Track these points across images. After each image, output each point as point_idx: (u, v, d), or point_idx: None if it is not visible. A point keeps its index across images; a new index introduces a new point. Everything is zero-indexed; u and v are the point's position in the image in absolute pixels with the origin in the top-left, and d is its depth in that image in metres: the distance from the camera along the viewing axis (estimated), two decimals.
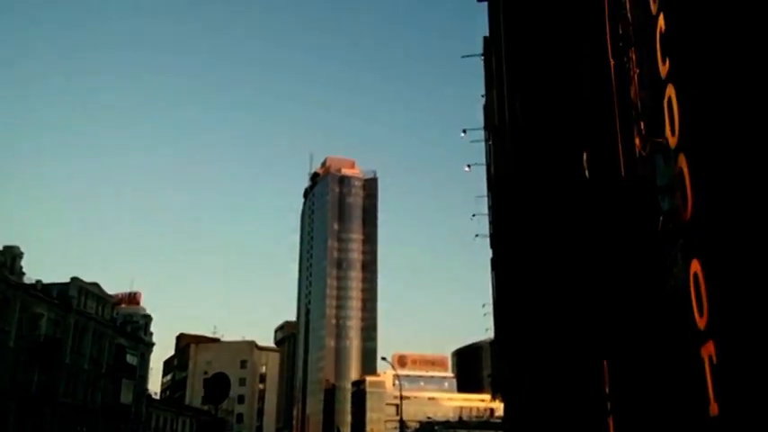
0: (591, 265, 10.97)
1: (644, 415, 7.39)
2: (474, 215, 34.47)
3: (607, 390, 9.43)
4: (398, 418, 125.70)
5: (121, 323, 58.20)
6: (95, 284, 54.61)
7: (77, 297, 51.86)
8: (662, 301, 6.14)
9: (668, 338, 6.17)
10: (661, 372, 6.67)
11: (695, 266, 4.51)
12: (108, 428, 52.95)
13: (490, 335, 37.68)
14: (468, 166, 31.45)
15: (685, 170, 4.66)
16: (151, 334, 62.51)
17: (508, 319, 27.94)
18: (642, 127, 6.92)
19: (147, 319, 63.23)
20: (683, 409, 5.61)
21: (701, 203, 4.46)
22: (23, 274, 46.76)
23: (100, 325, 54.08)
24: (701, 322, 4.21)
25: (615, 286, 8.47)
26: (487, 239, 39.59)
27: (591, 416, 11.58)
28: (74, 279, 52.21)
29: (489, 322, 43.67)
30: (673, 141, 4.90)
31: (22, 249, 46.52)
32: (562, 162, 13.36)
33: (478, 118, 36.31)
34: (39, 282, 48.59)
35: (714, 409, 3.84)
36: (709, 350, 4.21)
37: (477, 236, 35.08)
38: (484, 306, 40.19)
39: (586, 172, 10.29)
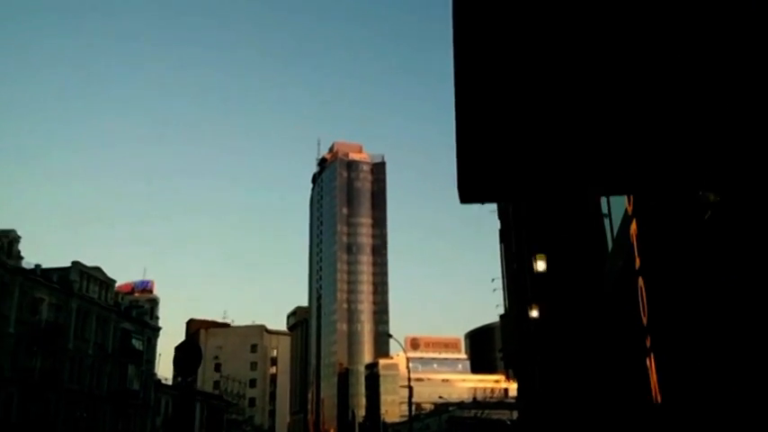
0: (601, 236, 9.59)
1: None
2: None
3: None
4: (413, 399, 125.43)
5: (126, 308, 57.30)
6: (97, 268, 53.66)
7: (79, 281, 50.95)
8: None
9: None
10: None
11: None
12: (115, 414, 52.23)
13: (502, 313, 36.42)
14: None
15: None
16: (157, 318, 61.63)
17: (518, 292, 26.61)
18: None
19: (153, 303, 62.36)
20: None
21: None
22: (21, 258, 45.81)
23: (103, 310, 53.20)
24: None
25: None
26: (495, 213, 38.24)
27: (606, 390, 10.24)
28: (74, 263, 51.28)
29: (499, 298, 42.30)
30: None
31: (21, 234, 45.65)
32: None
33: None
34: (38, 266, 47.67)
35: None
36: None
37: (483, 204, 33.35)
38: (493, 281, 38.78)
39: None
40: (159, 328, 61.37)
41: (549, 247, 13.09)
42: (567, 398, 12.95)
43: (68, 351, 48.67)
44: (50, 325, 46.94)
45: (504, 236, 30.89)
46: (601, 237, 9.20)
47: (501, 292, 39.46)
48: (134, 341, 55.37)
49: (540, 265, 12.66)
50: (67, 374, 48.31)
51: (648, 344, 4.00)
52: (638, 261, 4.31)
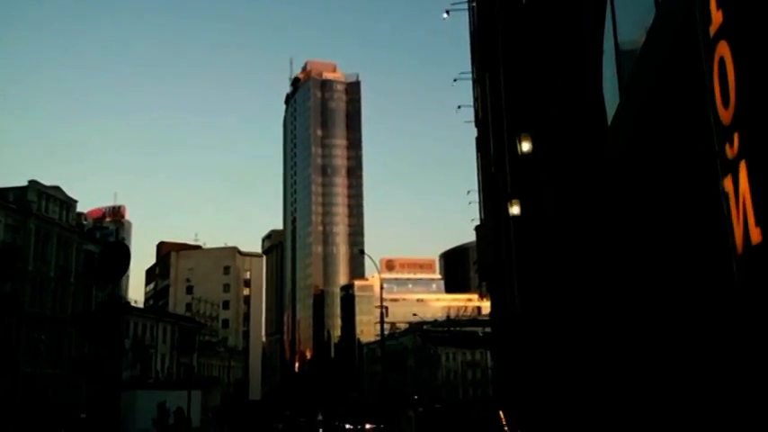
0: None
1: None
2: (455, 80, 31.19)
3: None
4: (388, 319, 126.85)
5: (90, 229, 55.20)
6: (56, 188, 51.15)
7: (37, 201, 48.51)
8: None
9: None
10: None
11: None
12: (81, 337, 50.98)
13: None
14: (447, 12, 28.00)
15: None
16: (123, 239, 59.71)
17: (495, 199, 25.21)
18: None
19: (118, 224, 60.32)
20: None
21: None
22: None
23: (65, 231, 51.03)
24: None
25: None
26: (472, 123, 36.50)
27: (587, 300, 8.81)
28: (31, 182, 48.69)
29: (475, 212, 41.16)
30: None
31: None
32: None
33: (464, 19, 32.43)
34: None
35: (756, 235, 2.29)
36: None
37: (459, 107, 32.07)
38: (469, 193, 37.57)
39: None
40: None
41: (534, 124, 11.38)
42: (557, 301, 11.59)
43: (28, 273, 46.79)
44: (7, 246, 44.82)
45: (481, 143, 29.28)
46: (598, 99, 7.45)
47: (477, 205, 38.34)
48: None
49: (525, 146, 10.95)
50: (28, 297, 46.60)
51: (734, 151, 2.44)
52: (718, 18, 2.54)
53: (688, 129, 3.50)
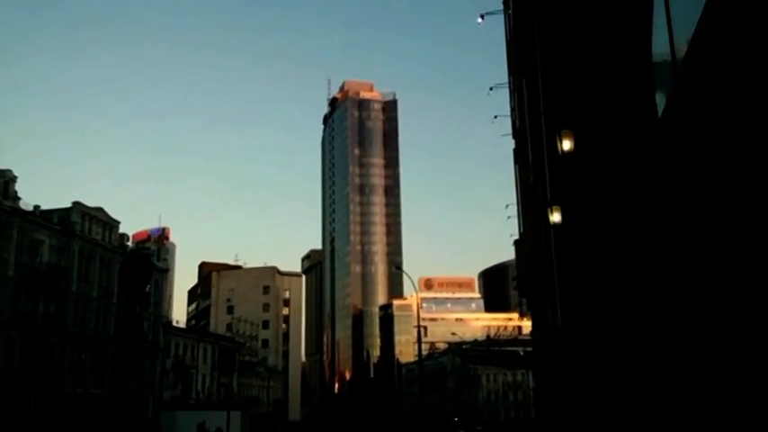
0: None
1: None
2: (491, 88, 30.66)
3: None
4: (427, 339, 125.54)
5: (132, 250, 55.95)
6: (99, 209, 52.04)
7: (80, 222, 49.39)
8: None
9: None
10: None
11: None
12: (123, 357, 51.48)
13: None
14: (482, 16, 27.59)
15: None
16: (165, 260, 60.36)
17: (533, 210, 24.48)
18: None
19: (160, 244, 60.93)
20: None
21: None
22: (19, 198, 44.18)
23: (107, 252, 51.80)
24: None
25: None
26: (510, 136, 35.81)
27: (630, 315, 8.21)
28: (75, 204, 49.64)
29: (514, 228, 40.32)
30: None
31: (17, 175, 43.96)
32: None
33: (500, 30, 32.04)
34: (37, 207, 46.08)
35: None
36: None
37: (496, 117, 31.50)
38: (507, 207, 36.86)
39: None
40: (167, 270, 60.12)
41: (575, 124, 10.81)
42: (603, 316, 10.93)
43: (71, 294, 47.50)
44: (52, 267, 45.62)
45: (519, 154, 28.57)
46: (648, 92, 6.92)
47: (515, 220, 37.50)
48: None
49: (566, 144, 10.38)
50: (71, 317, 47.27)
51: None
52: None
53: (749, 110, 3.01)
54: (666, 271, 6.31)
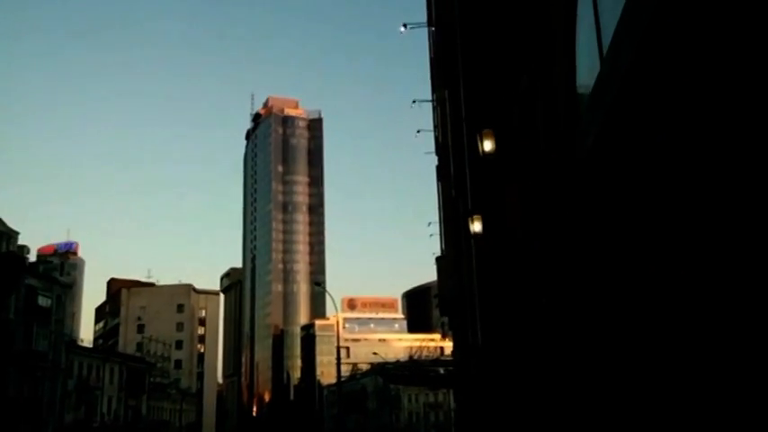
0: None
1: None
2: (414, 101, 30.44)
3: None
4: (349, 360, 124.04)
5: (32, 263, 52.26)
6: None
7: None
8: None
9: None
10: None
11: None
12: (21, 376, 47.74)
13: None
14: (405, 26, 27.33)
15: None
16: (68, 274, 56.75)
17: (454, 229, 24.07)
18: None
19: (63, 258, 57.34)
20: None
21: None
22: None
23: None
24: None
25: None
26: (433, 153, 35.65)
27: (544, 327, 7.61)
28: None
29: (437, 247, 40.04)
30: None
31: None
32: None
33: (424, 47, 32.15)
34: None
35: None
36: None
37: (419, 131, 31.27)
38: (429, 225, 36.58)
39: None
40: (70, 286, 56.52)
41: (497, 123, 10.20)
42: (522, 330, 10.28)
43: None
44: None
45: (441, 170, 28.23)
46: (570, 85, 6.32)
47: (438, 238, 37.25)
48: (41, 299, 50.48)
49: (487, 145, 9.72)
50: None
51: None
52: None
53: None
54: (588, 277, 5.67)
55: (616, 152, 4.29)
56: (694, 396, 3.20)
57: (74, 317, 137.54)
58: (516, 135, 8.82)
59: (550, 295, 7.83)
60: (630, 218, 4.20)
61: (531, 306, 9.51)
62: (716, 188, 2.82)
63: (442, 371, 46.99)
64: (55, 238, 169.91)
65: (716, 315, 2.90)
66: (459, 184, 17.21)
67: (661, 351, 3.71)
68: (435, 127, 32.66)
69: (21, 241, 50.31)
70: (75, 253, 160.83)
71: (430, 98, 34.28)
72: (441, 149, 30.10)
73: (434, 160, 35.85)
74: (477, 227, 12.46)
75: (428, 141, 34.58)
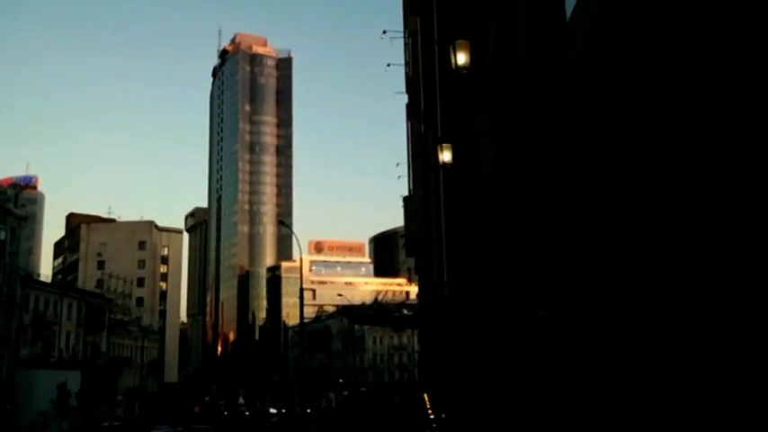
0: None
1: None
2: (385, 32, 29.15)
3: None
4: (315, 302, 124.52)
5: None
6: None
7: None
8: None
9: None
10: None
11: None
12: None
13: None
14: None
15: None
16: (24, 206, 54.78)
17: (423, 169, 23.33)
18: None
19: (17, 189, 55.23)
20: None
21: None
22: None
23: None
24: None
25: None
26: (403, 92, 34.53)
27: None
28: None
29: (405, 191, 39.39)
30: None
31: None
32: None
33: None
34: None
35: None
36: None
37: (389, 65, 30.09)
38: (398, 165, 35.75)
39: None
40: (25, 218, 54.63)
41: (473, 34, 9.29)
42: (485, 272, 9.64)
43: None
44: None
45: (411, 109, 27.28)
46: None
47: (406, 180, 36.52)
48: None
49: (461, 58, 8.83)
50: None
51: None
52: None
53: None
54: (562, 210, 4.96)
55: (603, 63, 3.64)
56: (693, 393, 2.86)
57: (32, 251, 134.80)
58: (494, 50, 7.95)
59: (518, 233, 7.11)
60: (619, 136, 3.67)
61: (499, 244, 8.84)
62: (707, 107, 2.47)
63: (406, 311, 47.04)
64: (14, 171, 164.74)
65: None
66: (429, 113, 16.29)
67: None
68: (407, 63, 31.50)
69: None
70: (34, 187, 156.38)
71: (402, 33, 32.98)
72: (411, 86, 29.08)
73: (405, 101, 34.83)
74: (446, 156, 11.66)
75: (399, 82, 33.39)
